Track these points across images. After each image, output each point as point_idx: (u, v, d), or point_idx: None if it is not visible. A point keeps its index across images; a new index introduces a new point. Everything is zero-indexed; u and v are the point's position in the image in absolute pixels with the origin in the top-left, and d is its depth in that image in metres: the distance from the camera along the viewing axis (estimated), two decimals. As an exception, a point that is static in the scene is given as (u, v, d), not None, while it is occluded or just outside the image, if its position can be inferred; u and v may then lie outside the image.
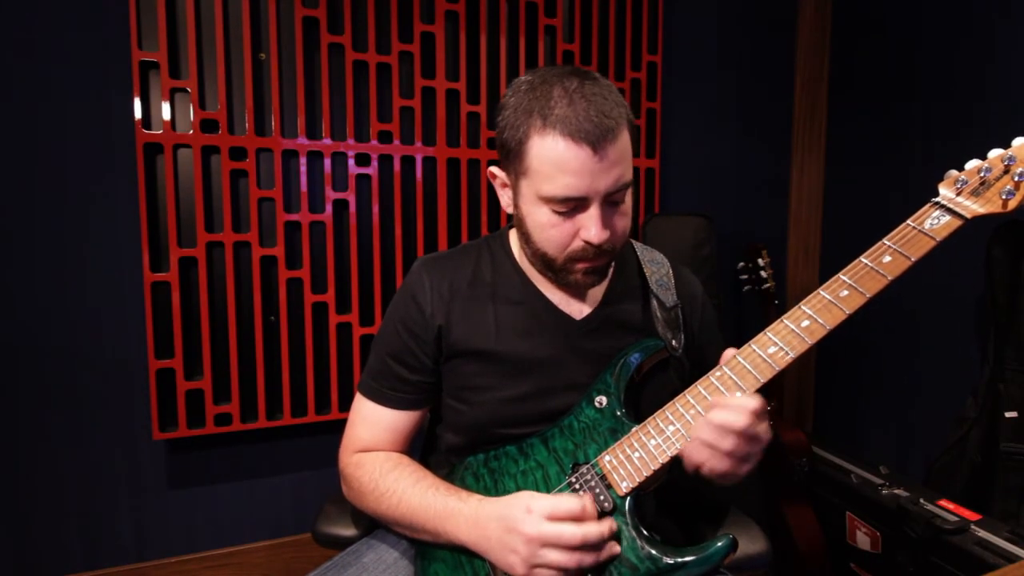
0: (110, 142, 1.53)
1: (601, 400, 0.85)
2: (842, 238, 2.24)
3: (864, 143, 2.12)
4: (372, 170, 1.70)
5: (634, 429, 0.80)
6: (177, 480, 1.68)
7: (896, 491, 1.54)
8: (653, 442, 0.77)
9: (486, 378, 0.89)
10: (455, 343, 0.90)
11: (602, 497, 0.77)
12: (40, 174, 1.49)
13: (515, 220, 0.88)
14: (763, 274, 1.89)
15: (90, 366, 1.56)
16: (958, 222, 0.71)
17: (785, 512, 1.76)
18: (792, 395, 2.35)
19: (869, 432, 2.12)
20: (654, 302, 0.94)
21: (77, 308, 1.54)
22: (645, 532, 0.76)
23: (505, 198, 0.89)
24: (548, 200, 0.79)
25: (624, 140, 0.79)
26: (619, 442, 0.80)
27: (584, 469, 0.80)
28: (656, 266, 0.98)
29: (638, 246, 1.00)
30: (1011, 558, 1.26)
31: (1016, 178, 0.70)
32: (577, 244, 0.82)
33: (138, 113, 1.48)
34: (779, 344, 0.74)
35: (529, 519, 0.73)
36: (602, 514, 0.77)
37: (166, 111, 1.50)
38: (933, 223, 0.72)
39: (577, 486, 0.80)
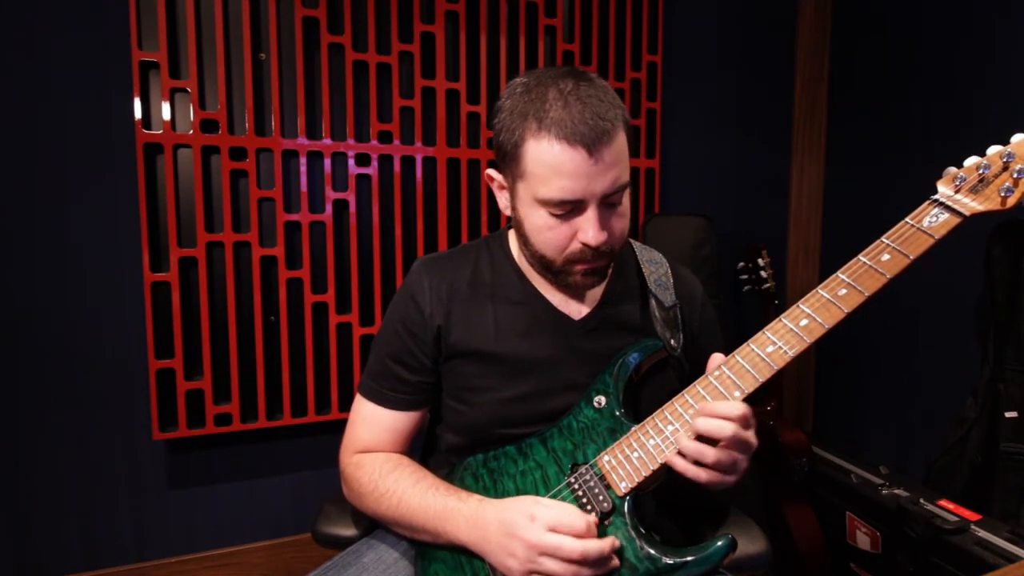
0: (110, 142, 1.53)
1: (600, 400, 0.85)
2: (842, 238, 2.24)
3: (864, 143, 2.12)
4: (372, 170, 1.70)
5: (633, 429, 0.80)
6: (177, 480, 1.68)
7: (896, 491, 1.54)
8: (652, 442, 0.77)
9: (485, 379, 0.89)
10: (454, 344, 0.90)
11: (601, 497, 0.77)
12: (40, 174, 1.49)
13: (513, 222, 0.88)
14: (763, 274, 1.89)
15: (90, 366, 1.56)
16: (957, 220, 0.71)
17: (785, 512, 1.76)
18: (792, 395, 2.35)
19: (869, 432, 2.12)
20: (653, 302, 0.94)
21: (77, 308, 1.54)
22: (644, 532, 0.76)
23: (503, 200, 0.89)
24: (545, 203, 0.79)
25: (620, 141, 0.78)
26: (618, 442, 0.80)
27: (583, 469, 0.80)
28: (654, 266, 0.98)
29: (636, 246, 1.00)
30: (1011, 558, 1.26)
31: (1015, 175, 0.69)
32: (575, 246, 0.81)
33: (138, 113, 1.48)
34: (778, 343, 0.74)
35: (531, 527, 0.73)
36: (602, 514, 0.77)
37: (166, 111, 1.51)
38: (932, 221, 0.72)
39: (576, 486, 0.80)
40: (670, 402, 0.78)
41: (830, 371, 2.30)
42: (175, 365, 1.56)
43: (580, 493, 0.79)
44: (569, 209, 0.79)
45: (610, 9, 1.91)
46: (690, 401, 0.76)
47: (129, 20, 1.47)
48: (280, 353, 1.66)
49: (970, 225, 0.72)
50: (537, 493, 0.81)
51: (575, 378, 0.88)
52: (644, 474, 0.76)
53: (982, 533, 1.33)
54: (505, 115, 0.81)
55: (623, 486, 0.77)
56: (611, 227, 0.81)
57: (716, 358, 0.77)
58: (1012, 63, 1.65)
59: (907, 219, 0.73)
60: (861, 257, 0.73)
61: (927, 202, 0.74)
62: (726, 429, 0.70)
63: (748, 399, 0.73)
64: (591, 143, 0.75)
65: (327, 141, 1.66)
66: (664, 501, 0.95)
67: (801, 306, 0.74)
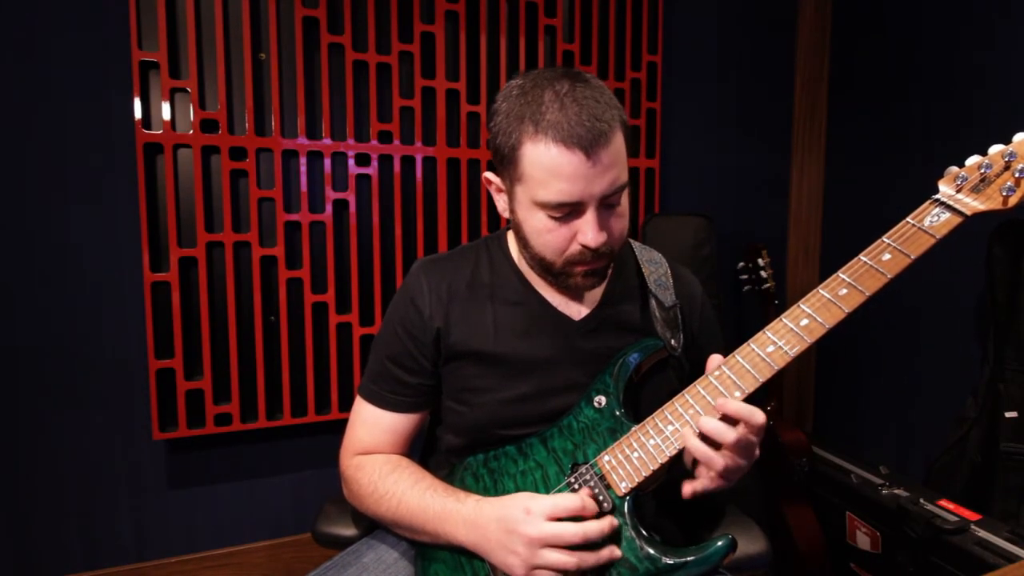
0: (110, 142, 1.53)
1: (600, 400, 0.85)
2: (842, 238, 2.24)
3: (864, 143, 2.12)
4: (372, 170, 1.70)
5: (633, 429, 0.80)
6: (177, 480, 1.68)
7: (896, 491, 1.54)
8: (652, 442, 0.77)
9: (485, 379, 0.89)
10: (454, 345, 0.90)
11: (601, 497, 0.77)
12: (40, 174, 1.49)
13: (512, 225, 0.88)
14: (763, 274, 1.89)
15: (90, 366, 1.56)
16: (958, 219, 0.71)
17: (785, 512, 1.76)
18: (792, 395, 2.35)
19: (869, 432, 2.12)
20: (653, 302, 0.94)
21: (77, 308, 1.54)
22: (644, 532, 0.76)
23: (501, 203, 0.89)
24: (543, 206, 0.79)
25: (618, 142, 0.78)
26: (618, 442, 0.80)
27: (583, 469, 0.80)
28: (654, 266, 0.98)
29: (636, 246, 1.00)
30: (1011, 558, 1.26)
31: (1017, 174, 0.69)
32: (575, 248, 0.81)
33: (138, 113, 1.48)
34: (778, 343, 0.73)
35: (529, 520, 0.73)
36: (601, 514, 0.77)
37: (166, 111, 1.50)
38: (933, 220, 0.72)
39: (576, 486, 0.79)
40: (670, 402, 0.78)
41: (830, 371, 2.30)
42: (175, 365, 1.55)
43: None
44: (568, 211, 0.79)
45: (610, 9, 1.91)
46: (690, 401, 0.76)
47: (129, 20, 1.47)
48: (280, 353, 1.66)
49: (971, 224, 0.71)
50: (537, 493, 0.81)
51: (575, 378, 0.88)
52: (644, 474, 0.76)
53: (982, 533, 1.33)
54: (501, 118, 0.81)
55: (623, 486, 0.77)
56: (610, 228, 0.81)
57: (715, 359, 0.77)
58: (1013, 62, 1.64)
59: (908, 219, 0.73)
60: (862, 257, 0.73)
61: (928, 201, 0.74)
62: (728, 435, 0.70)
63: (748, 399, 0.73)
64: (588, 145, 0.75)
65: (327, 141, 1.66)
66: (664, 501, 0.95)
67: (802, 306, 0.74)
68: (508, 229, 0.97)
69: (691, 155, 2.14)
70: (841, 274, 0.74)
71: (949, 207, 0.72)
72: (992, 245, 1.57)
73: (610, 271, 0.93)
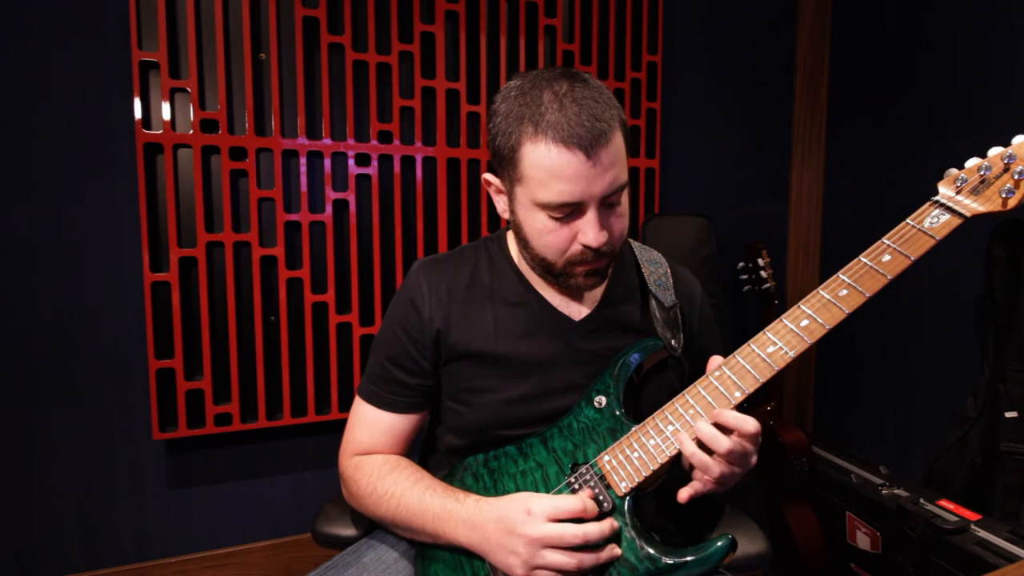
0: (110, 142, 1.53)
1: (600, 400, 0.85)
2: (842, 238, 2.24)
3: (864, 143, 2.12)
4: (372, 170, 1.70)
5: (633, 429, 0.80)
6: (177, 480, 1.68)
7: (896, 491, 1.54)
8: (652, 442, 0.77)
9: (485, 380, 0.89)
10: (454, 346, 0.90)
11: (601, 497, 0.77)
12: (40, 174, 1.49)
13: (512, 226, 0.88)
14: (763, 274, 1.89)
15: (90, 366, 1.56)
16: (958, 220, 0.71)
17: (785, 512, 1.76)
18: (792, 395, 2.35)
19: (869, 432, 2.12)
20: (653, 302, 0.94)
21: (77, 308, 1.54)
22: (644, 532, 0.76)
23: (501, 204, 0.89)
24: (544, 206, 0.79)
25: (617, 142, 0.78)
26: (618, 442, 0.80)
27: (583, 469, 0.80)
28: (654, 266, 0.98)
29: (636, 246, 1.00)
30: (1011, 558, 1.26)
31: (1016, 176, 0.69)
32: (576, 248, 0.81)
33: (138, 113, 1.48)
34: (778, 344, 0.74)
35: (529, 521, 0.73)
36: (602, 514, 0.77)
37: (166, 111, 1.50)
38: (932, 222, 0.72)
39: (576, 486, 0.80)
40: (671, 402, 0.78)
41: (830, 371, 2.30)
42: (175, 365, 1.55)
43: (580, 492, 0.79)
44: (569, 212, 0.79)
45: (610, 9, 1.91)
46: (691, 402, 0.76)
47: (129, 20, 1.47)
48: (280, 353, 1.66)
49: (971, 225, 0.72)
50: (537, 493, 0.81)
51: (575, 379, 0.88)
52: (644, 474, 0.76)
53: (982, 533, 1.33)
54: (500, 119, 0.81)
55: (623, 486, 0.77)
56: (611, 227, 0.81)
57: (716, 359, 0.78)
58: (1013, 63, 1.65)
59: (908, 220, 0.73)
60: (862, 258, 0.73)
61: (928, 203, 0.74)
62: (722, 442, 0.71)
63: (748, 399, 0.74)
64: (588, 145, 0.75)
65: (327, 141, 1.66)
66: (664, 501, 0.95)
67: (802, 306, 0.74)
68: (508, 229, 0.97)
69: (691, 155, 2.14)
70: (841, 275, 0.74)
71: (949, 208, 0.72)
72: (992, 246, 1.57)
73: (610, 271, 0.93)
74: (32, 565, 1.57)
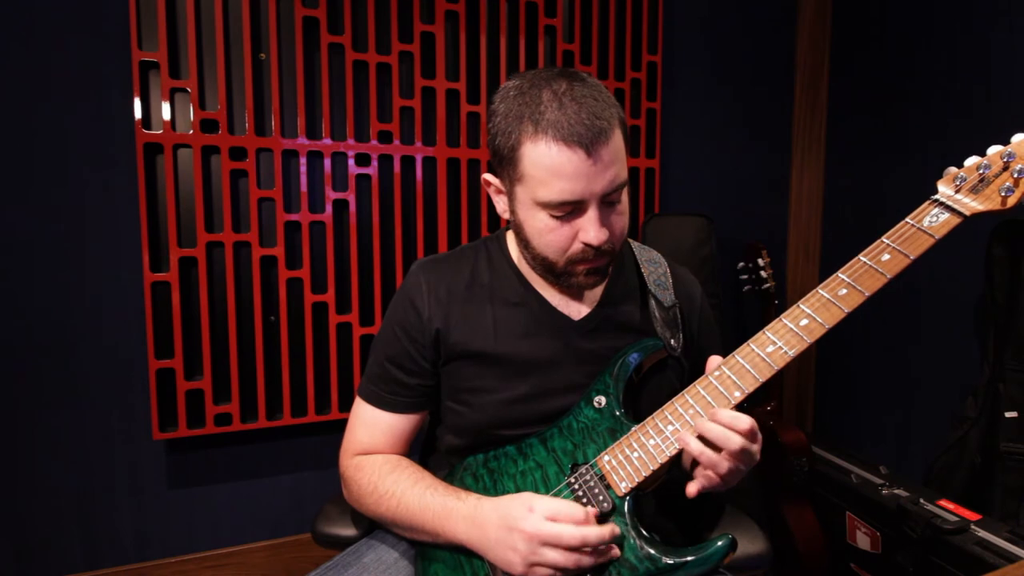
0: (110, 142, 1.53)
1: (600, 400, 0.85)
2: (842, 238, 2.24)
3: (864, 143, 2.12)
4: (372, 170, 1.70)
5: (633, 429, 0.80)
6: (177, 480, 1.68)
7: (896, 491, 1.54)
8: (652, 442, 0.77)
9: (485, 380, 0.89)
10: (454, 346, 0.90)
11: (601, 497, 0.77)
12: (40, 174, 1.49)
13: (512, 226, 0.88)
14: (763, 274, 1.89)
15: (90, 366, 1.56)
16: (957, 219, 0.71)
17: (785, 512, 1.76)
18: (792, 395, 2.35)
19: (869, 432, 2.12)
20: (652, 302, 0.94)
21: (77, 308, 1.54)
22: (644, 532, 0.76)
23: (501, 204, 0.89)
24: (545, 205, 0.79)
25: (617, 140, 0.78)
26: (618, 442, 0.80)
27: (583, 469, 0.80)
28: (654, 266, 0.98)
29: (635, 246, 1.00)
30: (1011, 558, 1.26)
31: (1015, 175, 0.69)
32: (576, 247, 0.81)
33: (138, 113, 1.48)
34: (778, 343, 0.74)
35: (531, 517, 0.73)
36: (602, 515, 0.77)
37: (166, 111, 1.51)
38: (932, 221, 0.72)
39: (576, 486, 0.80)
40: (670, 402, 0.78)
41: (830, 371, 2.30)
42: (175, 365, 1.55)
43: (580, 493, 0.79)
44: (569, 210, 0.79)
45: (610, 9, 1.91)
46: (690, 401, 0.76)
47: (129, 20, 1.47)
48: (280, 353, 1.66)
49: (970, 225, 0.72)
50: (537, 493, 0.81)
51: (575, 378, 0.88)
52: (644, 474, 0.76)
53: (982, 533, 1.33)
54: (500, 119, 0.81)
55: (623, 486, 0.77)
56: (612, 225, 0.81)
57: (715, 359, 0.78)
58: (1013, 63, 1.65)
59: (907, 219, 0.73)
60: (861, 257, 0.73)
61: (927, 202, 0.74)
62: (732, 441, 0.71)
63: (748, 399, 0.74)
64: (589, 143, 0.75)
65: (327, 141, 1.66)
66: (664, 501, 0.95)
67: (801, 306, 0.74)
68: (507, 229, 0.97)
69: (691, 155, 2.14)
70: (841, 274, 0.74)
71: (948, 207, 0.72)
72: (992, 245, 1.57)
73: (610, 270, 0.93)
74: (32, 565, 1.57)
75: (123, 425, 1.61)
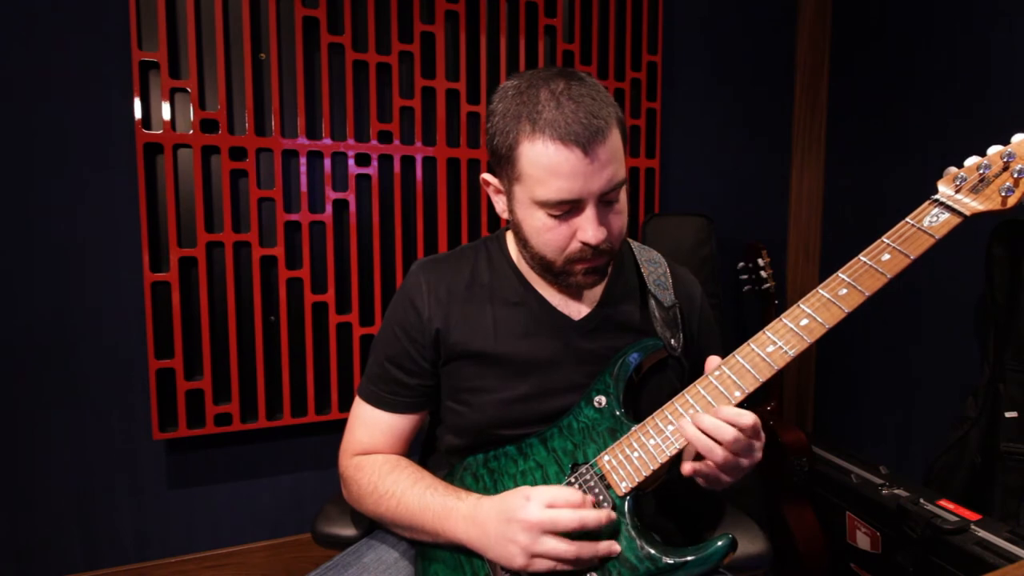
0: (110, 142, 1.53)
1: (600, 400, 0.85)
2: (842, 238, 2.24)
3: (864, 143, 2.12)
4: (372, 170, 1.70)
5: (633, 429, 0.80)
6: (177, 480, 1.68)
7: (896, 491, 1.54)
8: (652, 442, 0.77)
9: (485, 380, 0.89)
10: (454, 346, 0.90)
11: (601, 497, 0.77)
12: (40, 174, 1.49)
13: (511, 225, 0.88)
14: (763, 274, 1.89)
15: (90, 366, 1.56)
16: (957, 219, 0.71)
17: (785, 512, 1.76)
18: (792, 395, 2.35)
19: (869, 432, 2.12)
20: (652, 302, 0.94)
21: (77, 308, 1.54)
22: (644, 532, 0.76)
23: (500, 204, 0.89)
24: (543, 204, 0.79)
25: (615, 139, 0.78)
26: (618, 442, 0.80)
27: (583, 469, 0.80)
28: (653, 266, 0.98)
29: (635, 245, 1.00)
30: (1011, 558, 1.26)
31: (1015, 175, 0.69)
32: (575, 246, 0.81)
33: (138, 113, 1.48)
34: (778, 343, 0.74)
35: (528, 506, 0.73)
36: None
37: (166, 111, 1.51)
38: (932, 221, 0.72)
39: (576, 486, 0.80)
40: (670, 402, 0.78)
41: (830, 371, 2.30)
42: (175, 365, 1.55)
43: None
44: (568, 209, 0.79)
45: (610, 9, 1.91)
46: (690, 401, 0.76)
47: (129, 20, 1.47)
48: (280, 353, 1.66)
49: (970, 225, 0.72)
50: None
51: (575, 378, 0.88)
52: (644, 474, 0.76)
53: (982, 533, 1.33)
54: (498, 119, 0.81)
55: (623, 486, 0.77)
56: (610, 225, 0.81)
57: (714, 359, 0.78)
58: (1013, 63, 1.65)
59: (907, 219, 0.73)
60: (861, 257, 0.73)
61: (927, 202, 0.74)
62: (726, 432, 0.71)
63: (748, 399, 0.74)
64: (586, 142, 0.75)
65: (327, 141, 1.66)
66: (664, 501, 0.95)
67: (801, 306, 0.74)
68: (507, 229, 0.97)
69: (691, 155, 2.14)
70: (841, 274, 0.74)
71: (948, 207, 0.72)
72: (992, 245, 1.57)
73: (609, 270, 0.93)
74: (32, 565, 1.57)
75: (123, 425, 1.61)
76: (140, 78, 1.48)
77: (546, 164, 0.76)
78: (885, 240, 0.73)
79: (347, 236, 1.71)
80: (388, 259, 1.76)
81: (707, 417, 0.72)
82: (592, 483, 0.79)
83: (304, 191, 1.65)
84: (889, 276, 0.71)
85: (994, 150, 0.73)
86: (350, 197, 1.69)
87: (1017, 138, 0.72)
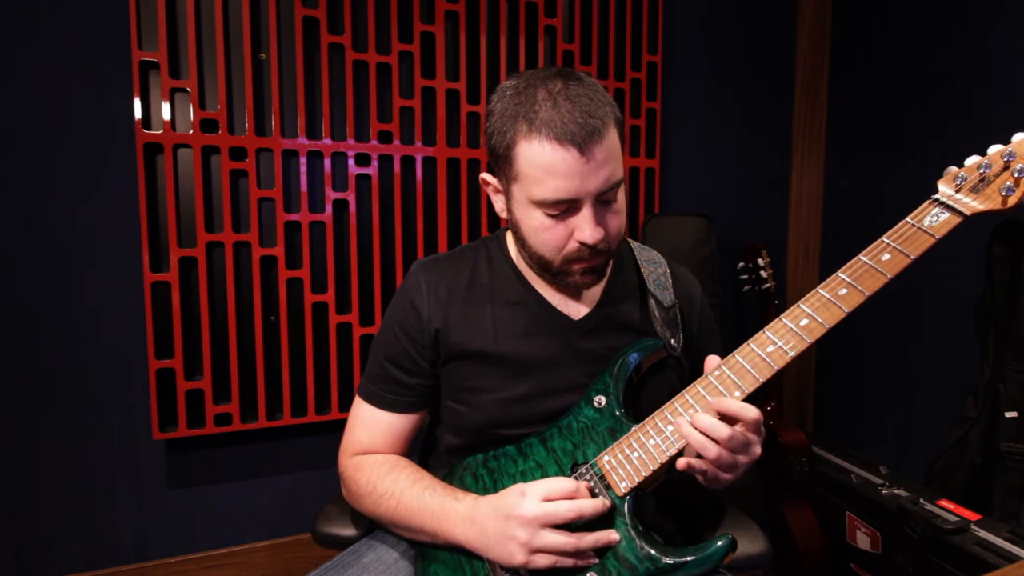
0: (110, 142, 1.53)
1: (600, 400, 0.85)
2: (842, 238, 2.24)
3: (864, 143, 2.12)
4: (372, 170, 1.70)
5: (633, 429, 0.80)
6: (177, 480, 1.68)
7: (896, 491, 1.54)
8: (652, 442, 0.77)
9: (485, 379, 0.89)
10: (454, 346, 0.90)
11: (601, 497, 0.77)
12: (40, 174, 1.49)
13: (510, 225, 0.88)
14: (763, 274, 1.89)
15: (90, 366, 1.56)
16: (957, 219, 0.71)
17: (785, 512, 1.76)
18: (792, 395, 2.35)
19: (869, 432, 2.12)
20: (652, 302, 0.94)
21: (77, 308, 1.54)
22: (644, 532, 0.76)
23: (498, 204, 0.89)
24: (540, 204, 0.79)
25: (612, 139, 0.78)
26: (618, 442, 0.80)
27: (583, 469, 0.80)
28: (653, 266, 0.98)
29: (635, 245, 1.00)
30: (1011, 558, 1.26)
31: (1016, 174, 0.69)
32: (572, 245, 0.81)
33: (138, 113, 1.48)
34: (778, 343, 0.73)
35: (525, 501, 0.74)
36: (602, 515, 0.77)
37: (166, 111, 1.51)
38: (932, 220, 0.72)
39: (576, 486, 0.80)
40: (670, 402, 0.78)
41: (830, 371, 2.30)
42: (175, 365, 1.55)
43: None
44: (564, 209, 0.79)
45: (610, 9, 1.91)
46: (690, 401, 0.76)
47: (129, 20, 1.47)
48: (280, 353, 1.66)
49: (970, 225, 0.71)
50: None
51: (575, 378, 0.88)
52: (644, 474, 0.76)
53: (982, 533, 1.33)
54: (496, 118, 0.81)
55: (623, 486, 0.77)
56: (607, 224, 0.81)
57: (714, 359, 0.77)
58: (1013, 63, 1.65)
59: (908, 219, 0.73)
60: (862, 257, 0.73)
61: (928, 201, 0.73)
62: (720, 430, 0.71)
63: (748, 399, 0.74)
64: (582, 142, 0.75)
65: (327, 141, 1.66)
66: (664, 501, 0.95)
67: (801, 306, 0.74)
68: (507, 229, 0.97)
69: (691, 155, 2.14)
70: (841, 274, 0.74)
71: (948, 207, 0.72)
72: (992, 245, 1.57)
73: (609, 270, 0.93)
74: (32, 565, 1.57)
75: (123, 425, 1.61)
76: (140, 78, 1.48)
77: (542, 164, 0.76)
78: (885, 240, 0.73)
79: (347, 236, 1.71)
80: (388, 259, 1.76)
81: (703, 416, 0.72)
82: (592, 483, 0.79)
83: (304, 191, 1.65)
84: (889, 276, 0.71)
85: (994, 149, 0.73)
86: (350, 197, 1.69)
87: (1017, 137, 0.72)
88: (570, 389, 0.88)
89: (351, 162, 1.68)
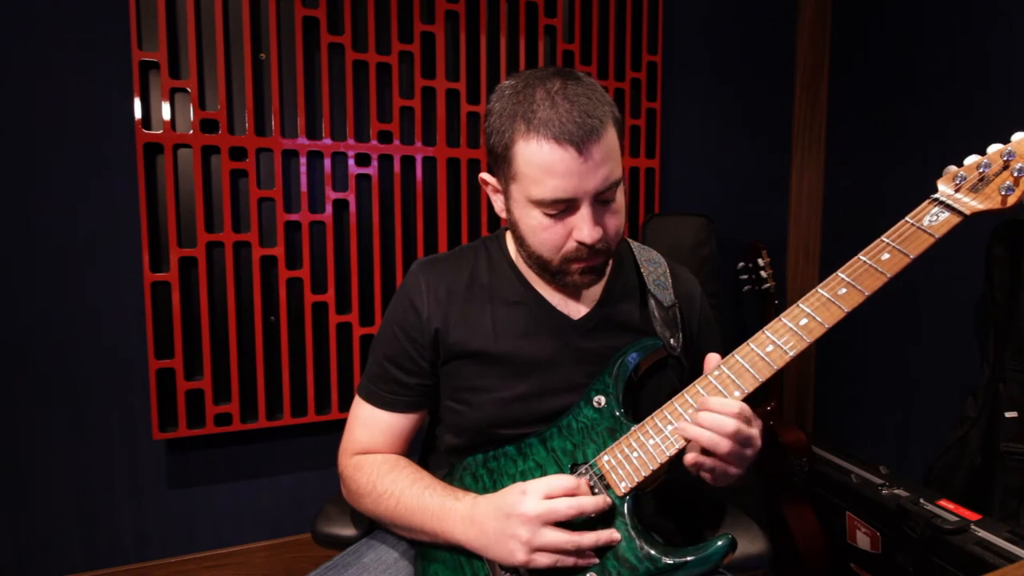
0: (110, 142, 1.53)
1: (600, 400, 0.85)
2: (842, 238, 2.24)
3: (864, 143, 2.12)
4: (372, 170, 1.70)
5: (633, 429, 0.80)
6: (177, 480, 1.68)
7: (896, 491, 1.54)
8: (652, 442, 0.77)
9: (485, 379, 0.89)
10: (453, 345, 0.90)
11: (601, 494, 0.77)
12: (40, 174, 1.49)
13: (509, 224, 0.88)
14: (763, 274, 1.89)
15: (90, 366, 1.56)
16: (957, 219, 0.71)
17: (785, 512, 1.76)
18: (792, 395, 2.34)
19: (869, 432, 2.12)
20: (652, 301, 0.94)
21: (77, 308, 1.54)
22: (644, 532, 0.76)
23: (498, 203, 0.89)
24: (538, 203, 0.79)
25: (610, 138, 0.78)
26: (618, 442, 0.80)
27: (583, 469, 0.80)
28: (653, 266, 0.98)
29: (635, 245, 1.00)
30: (1011, 558, 1.26)
31: (1015, 174, 0.69)
32: (571, 245, 0.81)
33: (138, 113, 1.48)
34: (777, 343, 0.73)
35: (526, 499, 0.74)
36: (601, 515, 0.77)
37: (166, 111, 1.51)
38: (932, 220, 0.72)
39: (576, 486, 0.80)
40: (670, 402, 0.78)
41: (830, 371, 2.30)
42: (175, 365, 1.55)
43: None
44: (563, 208, 0.79)
45: (610, 9, 1.91)
46: (690, 401, 0.76)
47: (129, 20, 1.47)
48: (280, 353, 1.66)
49: (970, 225, 0.71)
50: None
51: (574, 378, 0.88)
52: (644, 474, 0.76)
53: (982, 533, 1.33)
54: (495, 118, 0.81)
55: (623, 486, 0.77)
56: (605, 224, 0.81)
57: (713, 358, 0.77)
58: (1013, 63, 1.64)
59: (907, 218, 0.73)
60: (861, 256, 0.73)
61: (927, 201, 0.73)
62: (727, 425, 0.70)
63: (748, 399, 0.74)
64: (580, 141, 0.75)
65: (327, 141, 1.66)
66: (664, 501, 0.95)
67: (801, 305, 0.74)
68: (507, 229, 0.97)
69: (691, 155, 2.14)
70: (840, 274, 0.74)
71: (948, 206, 0.72)
72: (992, 245, 1.57)
73: (608, 270, 0.93)
74: (32, 565, 1.57)
75: (123, 425, 1.61)
76: (140, 78, 1.48)
77: (541, 163, 0.76)
78: (885, 239, 0.73)
79: (347, 236, 1.71)
80: (388, 259, 1.76)
81: (706, 414, 0.72)
82: (591, 483, 0.79)
83: (304, 191, 1.65)
84: (889, 275, 0.71)
85: (994, 149, 0.73)
86: (350, 197, 1.69)
87: (1017, 137, 0.71)
88: (570, 389, 0.87)
89: (351, 162, 1.68)
